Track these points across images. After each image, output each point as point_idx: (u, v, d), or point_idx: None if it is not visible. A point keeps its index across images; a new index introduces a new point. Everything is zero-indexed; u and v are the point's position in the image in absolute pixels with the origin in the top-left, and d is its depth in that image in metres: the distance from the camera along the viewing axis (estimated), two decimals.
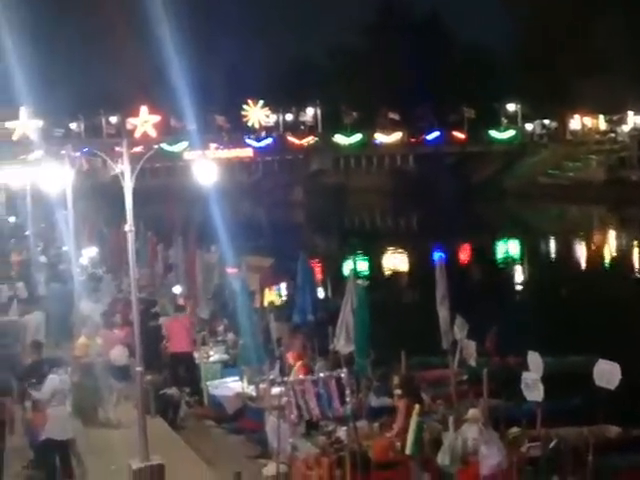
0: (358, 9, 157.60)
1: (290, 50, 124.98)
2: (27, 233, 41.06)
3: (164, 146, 78.56)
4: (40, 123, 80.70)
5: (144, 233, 31.98)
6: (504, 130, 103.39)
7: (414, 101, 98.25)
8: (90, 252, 31.66)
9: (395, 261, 54.48)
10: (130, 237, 13.96)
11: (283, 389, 14.01)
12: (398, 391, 15.14)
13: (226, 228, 28.49)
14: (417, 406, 14.06)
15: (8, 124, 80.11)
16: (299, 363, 17.41)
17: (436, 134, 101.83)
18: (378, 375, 18.12)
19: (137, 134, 67.28)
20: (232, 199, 31.03)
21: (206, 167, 14.70)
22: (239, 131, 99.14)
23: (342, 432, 14.50)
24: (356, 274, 22.25)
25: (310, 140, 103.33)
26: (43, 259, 33.81)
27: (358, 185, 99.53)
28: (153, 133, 78.79)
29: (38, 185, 32.90)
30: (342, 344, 17.48)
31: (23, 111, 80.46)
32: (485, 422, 13.66)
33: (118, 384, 18.58)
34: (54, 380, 14.73)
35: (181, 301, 24.51)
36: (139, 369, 14.07)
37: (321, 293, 28.17)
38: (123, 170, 13.59)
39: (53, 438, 14.56)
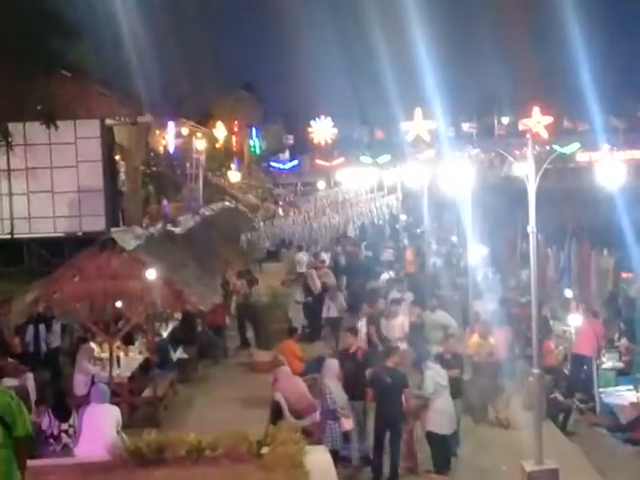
0: None
1: None
2: (419, 230, 41.90)
3: (556, 147, 77.88)
4: (434, 124, 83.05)
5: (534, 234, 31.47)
6: None
7: None
8: (480, 251, 31.65)
9: None
10: (532, 238, 13.88)
11: None
12: None
13: (622, 232, 27.62)
14: None
15: (403, 125, 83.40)
16: None
17: None
18: None
19: (529, 135, 67.35)
20: (626, 202, 29.94)
21: (612, 169, 14.22)
22: (635, 132, 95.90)
23: None
24: None
25: None
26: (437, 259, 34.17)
27: None
28: (545, 134, 78.59)
29: (432, 184, 33.72)
30: None
31: (418, 112, 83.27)
32: None
33: (508, 384, 18.58)
34: (431, 374, 14.92)
35: (573, 305, 24.03)
36: (536, 371, 13.97)
37: None
38: (527, 171, 13.51)
39: (433, 431, 14.82)
